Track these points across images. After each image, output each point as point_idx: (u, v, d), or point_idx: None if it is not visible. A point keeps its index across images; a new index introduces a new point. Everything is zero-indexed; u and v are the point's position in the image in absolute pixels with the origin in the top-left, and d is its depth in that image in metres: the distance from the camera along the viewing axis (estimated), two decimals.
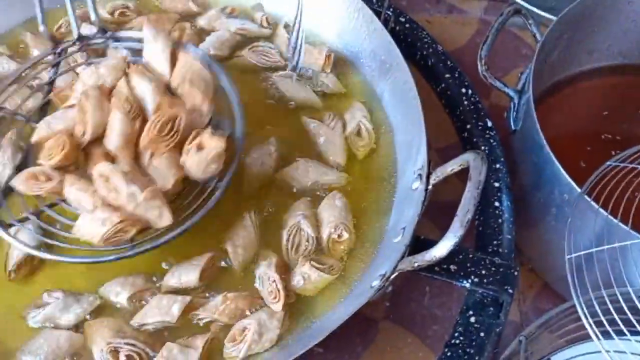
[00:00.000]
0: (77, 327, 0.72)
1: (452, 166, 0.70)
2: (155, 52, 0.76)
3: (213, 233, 0.76)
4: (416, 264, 0.65)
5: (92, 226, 0.67)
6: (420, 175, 0.74)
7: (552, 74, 1.04)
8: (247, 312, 0.71)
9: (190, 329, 0.71)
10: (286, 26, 0.91)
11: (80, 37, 0.83)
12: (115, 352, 0.67)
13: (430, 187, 0.72)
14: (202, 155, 0.70)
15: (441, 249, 0.63)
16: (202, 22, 0.93)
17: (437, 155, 1.04)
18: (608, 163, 0.76)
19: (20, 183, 0.70)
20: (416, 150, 0.77)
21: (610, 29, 1.01)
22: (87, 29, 0.85)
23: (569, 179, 0.77)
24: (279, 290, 0.71)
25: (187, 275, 0.72)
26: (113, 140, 0.71)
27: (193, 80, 0.74)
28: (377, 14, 0.90)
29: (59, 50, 0.83)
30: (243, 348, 0.68)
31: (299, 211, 0.77)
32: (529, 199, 0.88)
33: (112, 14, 0.93)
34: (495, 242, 0.80)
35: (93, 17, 0.83)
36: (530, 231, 0.90)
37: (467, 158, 0.67)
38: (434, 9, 1.22)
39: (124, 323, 0.71)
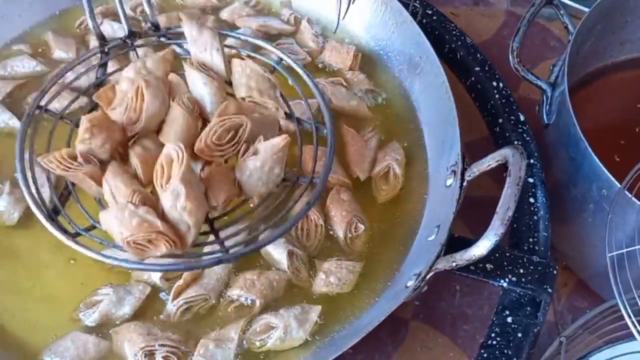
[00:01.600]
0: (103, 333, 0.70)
1: (489, 162, 0.68)
2: (205, 48, 0.68)
3: None
4: (454, 263, 0.63)
5: (117, 223, 0.60)
6: (454, 171, 0.72)
7: (584, 65, 1.01)
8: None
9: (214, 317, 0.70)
10: (309, 21, 0.89)
11: (132, 33, 0.74)
12: (151, 354, 0.66)
13: (465, 183, 0.70)
14: (260, 158, 0.62)
15: (481, 248, 0.61)
16: (224, 14, 0.91)
17: (466, 148, 1.02)
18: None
19: (51, 161, 0.61)
20: (449, 145, 0.74)
21: None
22: (110, 28, 0.82)
23: (609, 174, 0.74)
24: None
25: None
26: (172, 136, 0.64)
27: (261, 89, 0.67)
28: (405, 6, 0.88)
29: (106, 49, 0.74)
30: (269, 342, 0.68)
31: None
32: (564, 194, 0.85)
33: (134, 10, 0.91)
34: (530, 240, 0.77)
35: (147, 10, 0.75)
36: (565, 228, 0.87)
37: (506, 153, 0.65)
38: (460, 1, 1.19)
39: (151, 325, 0.70)
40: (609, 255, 0.68)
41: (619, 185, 0.73)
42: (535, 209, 0.79)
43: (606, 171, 0.75)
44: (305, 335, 0.68)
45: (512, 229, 0.80)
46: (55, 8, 0.84)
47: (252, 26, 0.88)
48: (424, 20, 0.97)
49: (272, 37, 0.90)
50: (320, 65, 0.88)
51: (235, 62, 0.68)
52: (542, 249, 0.77)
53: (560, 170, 0.86)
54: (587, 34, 0.94)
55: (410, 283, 0.66)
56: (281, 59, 0.73)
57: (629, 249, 0.68)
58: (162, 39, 0.76)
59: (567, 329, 0.74)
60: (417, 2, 0.95)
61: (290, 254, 0.72)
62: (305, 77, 0.71)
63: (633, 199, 0.71)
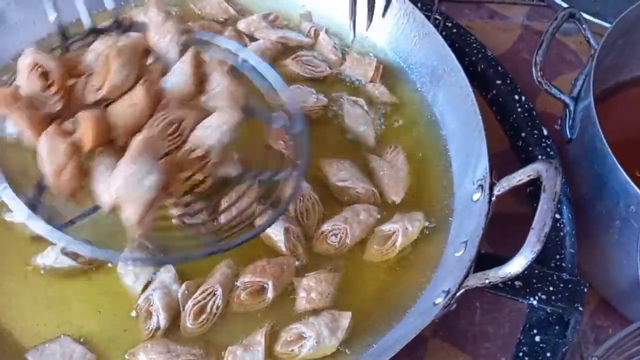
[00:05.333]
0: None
1: (520, 176, 0.66)
2: (164, 36, 0.68)
3: None
4: (487, 281, 0.61)
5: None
6: (481, 185, 0.70)
7: (605, 80, 0.99)
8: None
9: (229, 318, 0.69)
10: (328, 33, 0.88)
11: (94, 30, 0.73)
12: None
13: (494, 198, 0.68)
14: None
15: (516, 266, 0.59)
16: (241, 25, 0.90)
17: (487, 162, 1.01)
18: None
19: None
20: (475, 159, 0.73)
21: None
22: None
23: (637, 190, 0.73)
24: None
25: None
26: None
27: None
28: (426, 18, 0.87)
29: (67, 44, 0.73)
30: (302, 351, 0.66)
31: None
32: (588, 211, 0.83)
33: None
34: (557, 257, 0.76)
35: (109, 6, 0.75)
36: (589, 245, 0.85)
37: (539, 168, 0.63)
38: (475, 14, 1.19)
39: (168, 341, 0.68)
40: None
41: None
42: (562, 225, 0.78)
43: (635, 186, 0.74)
44: (337, 343, 0.66)
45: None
46: None
47: (272, 38, 0.87)
48: (444, 33, 0.96)
49: (290, 49, 0.88)
50: (340, 77, 0.87)
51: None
52: (570, 265, 0.75)
53: (584, 186, 0.84)
54: (609, 48, 0.93)
55: (439, 300, 0.64)
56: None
57: None
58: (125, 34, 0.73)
59: (596, 348, 0.72)
60: (438, 13, 0.94)
61: (287, 231, 0.71)
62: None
63: None
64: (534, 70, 0.86)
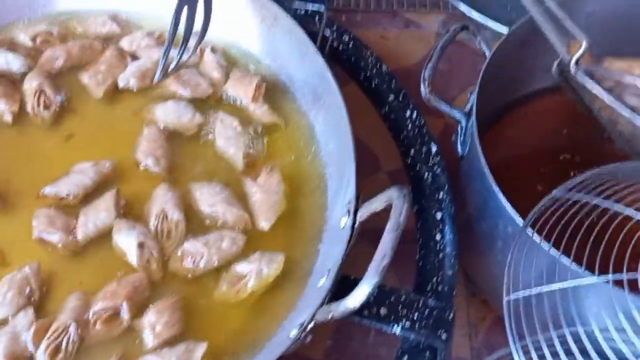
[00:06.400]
0: None
1: (376, 203, 0.65)
2: None
3: None
4: (330, 315, 0.60)
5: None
6: (348, 210, 0.68)
7: (507, 92, 0.98)
8: None
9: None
10: (213, 50, 0.86)
11: None
12: None
13: (357, 224, 0.67)
14: None
15: (354, 299, 0.57)
16: (124, 43, 0.88)
17: (389, 177, 0.99)
18: (553, 194, 0.70)
19: None
20: (346, 182, 0.71)
21: None
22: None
23: (511, 211, 0.72)
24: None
25: None
26: None
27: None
28: (315, 34, 0.85)
29: None
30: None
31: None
32: (476, 229, 0.82)
33: (34, 39, 0.87)
34: (435, 279, 0.74)
35: None
36: (479, 263, 0.84)
37: (391, 195, 0.62)
38: (390, 23, 1.17)
39: None
40: (506, 299, 0.65)
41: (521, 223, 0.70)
42: (442, 247, 0.76)
43: (509, 207, 0.72)
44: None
45: (418, 267, 0.77)
46: None
47: (153, 57, 0.84)
48: (340, 47, 0.94)
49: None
50: (223, 97, 0.85)
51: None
52: (446, 288, 0.74)
53: (471, 204, 0.83)
54: (505, 61, 0.91)
55: (294, 333, 0.63)
56: None
57: (525, 293, 0.65)
58: None
59: None
60: (331, 28, 0.92)
61: (141, 246, 0.70)
62: None
63: (535, 237, 0.68)
64: (422, 86, 0.84)
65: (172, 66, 0.76)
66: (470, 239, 0.84)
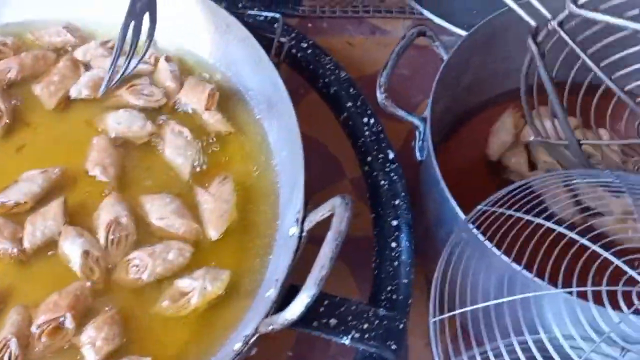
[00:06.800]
0: None
1: (322, 212, 0.63)
2: None
3: None
4: (271, 327, 0.58)
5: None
6: (297, 219, 0.67)
7: (468, 97, 0.97)
8: None
9: None
10: (168, 59, 0.85)
11: None
12: None
13: (304, 233, 0.66)
14: None
15: (292, 311, 0.56)
16: (78, 53, 0.87)
17: (352, 185, 0.98)
18: (479, 207, 0.69)
19: None
20: (297, 191, 0.70)
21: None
22: None
23: (463, 216, 0.71)
24: None
25: None
26: None
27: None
28: (271, 41, 0.84)
29: None
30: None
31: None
32: (435, 236, 0.81)
33: None
34: (389, 288, 0.73)
35: None
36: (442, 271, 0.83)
37: (334, 203, 0.61)
38: (356, 30, 1.16)
39: None
40: (433, 320, 0.65)
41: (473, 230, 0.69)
42: (397, 254, 0.75)
43: (460, 215, 0.72)
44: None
45: (374, 276, 0.76)
46: None
47: (106, 67, 0.83)
48: (299, 54, 0.93)
49: (130, 78, 0.85)
50: (177, 105, 0.84)
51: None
52: (401, 297, 0.73)
53: (430, 210, 0.82)
54: (463, 66, 0.91)
55: (238, 346, 0.61)
56: None
57: (450, 313, 0.64)
58: None
59: None
60: (288, 36, 0.91)
61: (85, 254, 0.69)
62: None
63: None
64: (377, 92, 0.83)
65: (116, 78, 0.76)
66: (430, 245, 0.83)
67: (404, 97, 1.04)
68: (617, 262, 0.58)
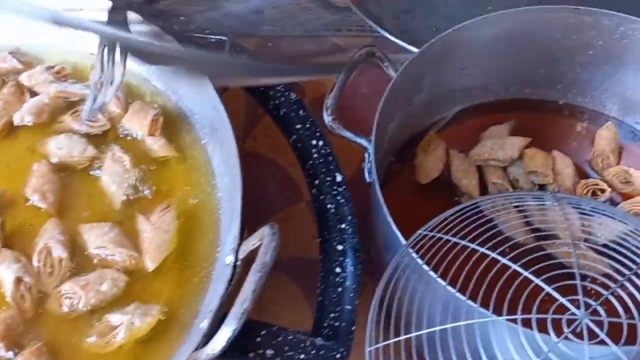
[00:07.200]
0: None
1: (253, 241, 0.62)
2: None
3: None
4: None
5: None
6: (233, 247, 0.66)
7: (426, 115, 0.96)
8: None
9: None
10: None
11: None
12: None
13: (238, 262, 0.64)
14: None
15: (214, 346, 0.55)
16: (23, 78, 0.86)
17: (309, 207, 0.97)
18: (419, 232, 0.68)
19: None
20: (235, 218, 0.69)
21: (482, 64, 0.94)
22: None
23: (404, 241, 0.70)
24: None
25: None
26: None
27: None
28: None
29: None
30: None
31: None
32: (384, 260, 0.80)
33: None
34: (332, 315, 0.72)
35: None
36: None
37: (263, 233, 0.59)
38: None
39: None
40: (368, 349, 0.63)
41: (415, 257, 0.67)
42: (341, 280, 0.74)
43: (402, 240, 0.70)
44: None
45: (317, 302, 0.74)
46: None
47: (50, 92, 0.83)
48: None
49: (75, 103, 0.84)
50: (121, 131, 0.83)
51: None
52: (344, 324, 0.71)
53: (379, 233, 0.81)
54: (415, 85, 0.90)
55: None
56: None
57: (385, 342, 0.63)
58: None
59: None
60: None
61: (17, 281, 0.68)
62: None
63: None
64: (325, 114, 0.82)
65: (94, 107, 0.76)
66: (380, 269, 0.82)
67: (362, 117, 1.03)
68: (547, 289, 0.57)
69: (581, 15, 0.84)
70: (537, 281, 0.57)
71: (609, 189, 0.84)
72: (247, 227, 0.69)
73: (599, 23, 0.85)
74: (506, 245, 0.68)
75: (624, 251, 0.68)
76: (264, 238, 0.58)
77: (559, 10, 0.85)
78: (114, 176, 0.76)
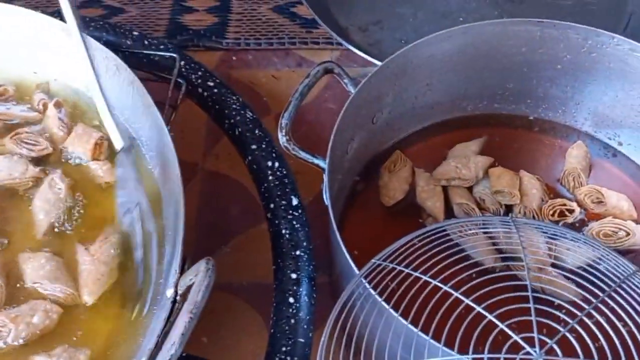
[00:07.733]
0: None
1: (190, 276, 0.58)
2: None
3: None
4: None
5: None
6: (174, 282, 0.62)
7: (390, 133, 0.92)
8: None
9: None
10: (57, 104, 0.79)
11: None
12: None
13: (178, 297, 0.60)
14: None
15: None
16: None
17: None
18: (373, 261, 0.64)
19: None
20: (177, 249, 0.65)
21: (448, 80, 0.91)
22: None
23: (356, 269, 0.66)
24: None
25: None
26: None
27: None
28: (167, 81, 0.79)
29: None
30: None
31: None
32: (341, 287, 0.76)
33: None
34: (284, 349, 0.68)
35: None
36: None
37: (199, 268, 0.55)
38: (282, 62, 1.12)
39: None
40: None
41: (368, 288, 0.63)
42: (294, 310, 0.70)
43: (355, 270, 0.66)
44: None
45: (270, 335, 0.70)
46: None
47: None
48: (205, 93, 0.89)
49: (16, 126, 0.79)
50: (63, 155, 0.78)
51: None
52: (296, 358, 0.67)
53: (337, 259, 0.77)
54: (375, 102, 0.86)
55: None
56: None
57: None
58: None
59: None
60: (193, 74, 0.87)
61: None
62: None
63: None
64: (279, 134, 0.78)
65: None
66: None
67: (327, 135, 0.99)
68: (501, 326, 0.53)
69: (547, 28, 0.81)
70: (490, 317, 0.53)
71: (578, 209, 0.81)
72: (200, 254, 0.65)
73: (565, 36, 0.81)
74: (465, 274, 0.64)
75: (592, 278, 0.64)
76: (198, 274, 0.54)
77: (524, 24, 0.81)
78: (44, 203, 0.71)
